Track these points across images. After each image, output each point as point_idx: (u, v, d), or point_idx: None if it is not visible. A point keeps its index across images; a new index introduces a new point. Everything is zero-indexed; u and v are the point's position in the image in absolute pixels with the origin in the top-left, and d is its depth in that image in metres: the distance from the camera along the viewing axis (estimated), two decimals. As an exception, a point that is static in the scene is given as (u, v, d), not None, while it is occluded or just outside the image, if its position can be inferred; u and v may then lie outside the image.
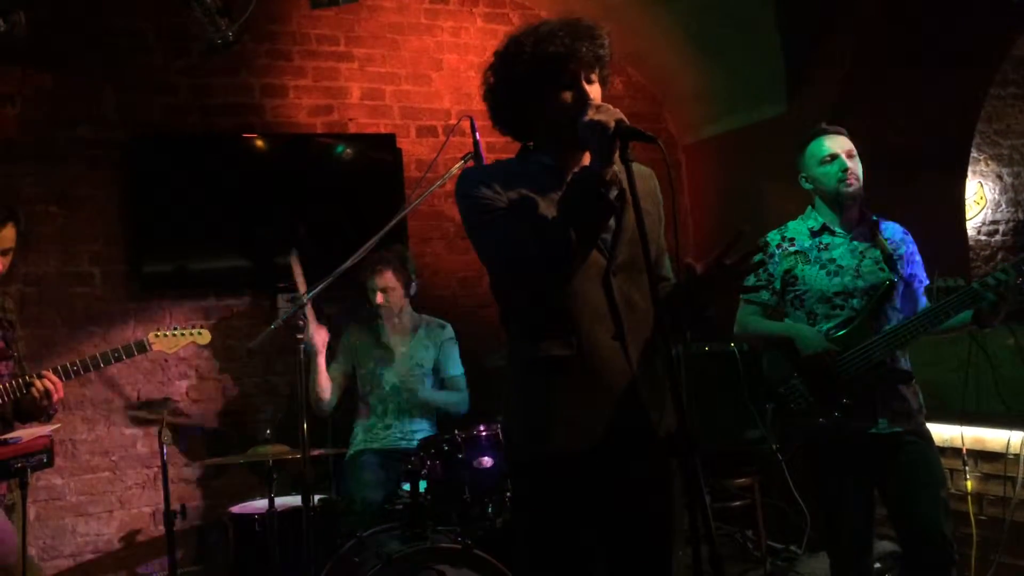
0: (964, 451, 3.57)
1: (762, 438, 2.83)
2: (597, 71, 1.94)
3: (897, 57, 4.21)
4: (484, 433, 3.23)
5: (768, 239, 2.93)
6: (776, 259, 2.88)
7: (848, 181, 2.80)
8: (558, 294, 1.90)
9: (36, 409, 2.85)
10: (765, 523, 4.17)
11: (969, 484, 3.56)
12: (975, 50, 4.39)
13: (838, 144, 2.83)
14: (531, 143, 2.05)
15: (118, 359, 3.04)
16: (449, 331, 4.05)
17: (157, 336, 3.19)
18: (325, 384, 3.81)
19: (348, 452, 3.87)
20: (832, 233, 2.85)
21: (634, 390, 1.92)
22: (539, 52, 1.90)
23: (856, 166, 2.83)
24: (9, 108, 4.01)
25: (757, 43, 4.43)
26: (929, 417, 2.83)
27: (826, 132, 2.87)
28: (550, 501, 1.94)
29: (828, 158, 2.81)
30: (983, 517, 3.53)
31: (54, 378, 2.83)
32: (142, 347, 3.10)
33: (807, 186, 2.91)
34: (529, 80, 1.93)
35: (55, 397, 2.82)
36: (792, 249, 2.87)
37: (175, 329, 3.29)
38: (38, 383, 2.79)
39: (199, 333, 3.33)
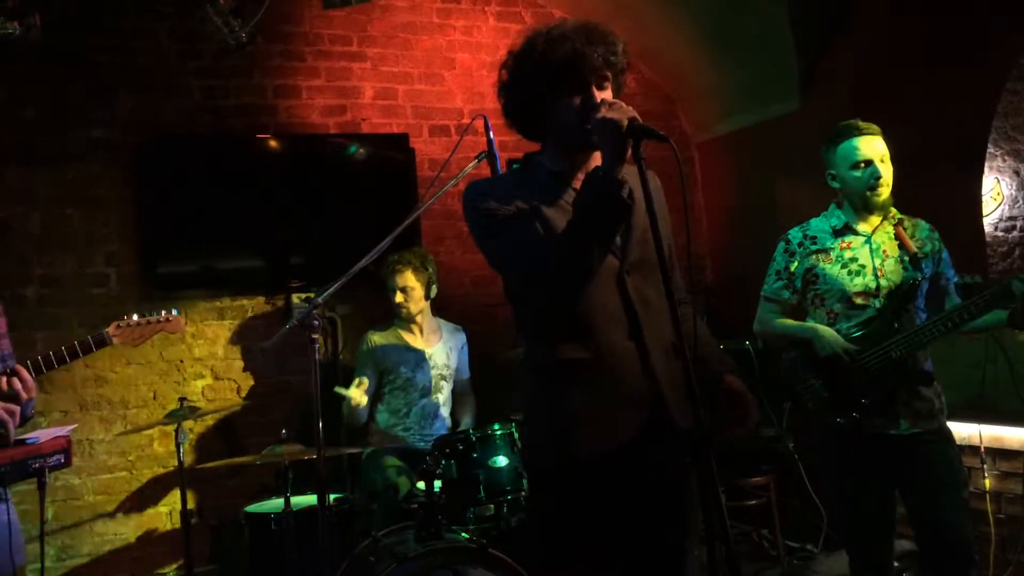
0: (982, 449, 3.55)
1: (778, 436, 2.81)
2: (610, 77, 1.91)
3: (911, 53, 4.18)
4: (498, 432, 3.23)
5: (790, 236, 2.89)
6: (798, 257, 2.85)
7: (879, 191, 2.71)
8: (573, 298, 1.89)
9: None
10: (781, 522, 4.16)
11: (987, 482, 3.53)
12: (991, 45, 4.35)
13: (872, 148, 2.71)
14: (541, 144, 2.04)
15: (74, 356, 2.67)
16: (464, 335, 4.07)
17: (120, 327, 2.83)
18: (364, 402, 3.82)
19: (364, 451, 3.87)
20: (855, 232, 2.79)
21: (656, 388, 1.90)
22: (549, 55, 1.88)
23: (888, 171, 2.73)
24: (25, 110, 4.04)
25: (770, 40, 4.41)
26: (947, 415, 2.80)
27: (860, 132, 2.73)
28: (573, 505, 1.92)
29: (862, 164, 2.71)
30: (1001, 516, 3.51)
31: (24, 374, 2.44)
32: (102, 341, 2.75)
33: (834, 184, 2.80)
34: (539, 82, 1.91)
35: (23, 397, 2.42)
36: (814, 248, 2.82)
37: (142, 315, 2.92)
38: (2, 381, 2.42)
39: (168, 320, 2.97)
